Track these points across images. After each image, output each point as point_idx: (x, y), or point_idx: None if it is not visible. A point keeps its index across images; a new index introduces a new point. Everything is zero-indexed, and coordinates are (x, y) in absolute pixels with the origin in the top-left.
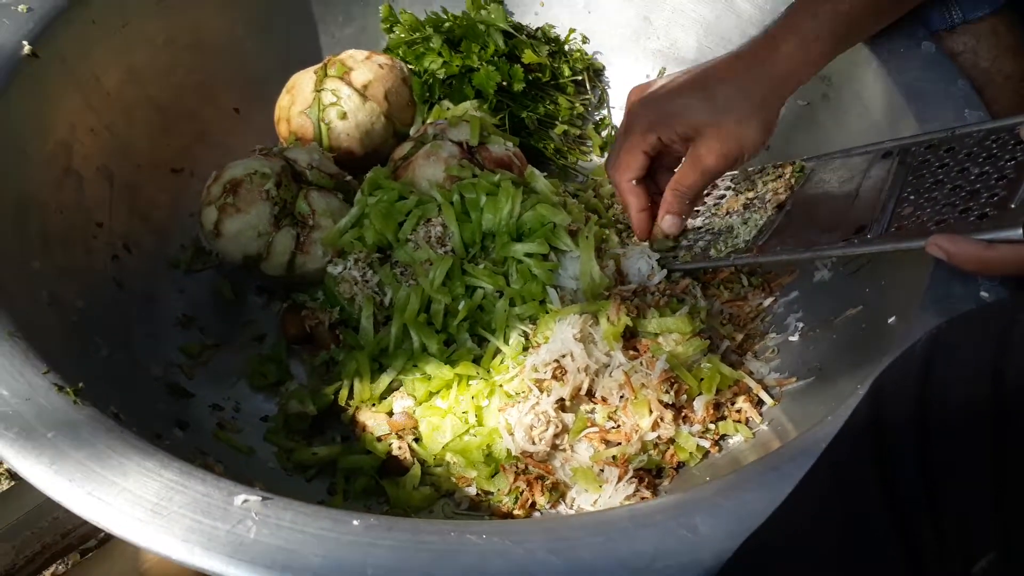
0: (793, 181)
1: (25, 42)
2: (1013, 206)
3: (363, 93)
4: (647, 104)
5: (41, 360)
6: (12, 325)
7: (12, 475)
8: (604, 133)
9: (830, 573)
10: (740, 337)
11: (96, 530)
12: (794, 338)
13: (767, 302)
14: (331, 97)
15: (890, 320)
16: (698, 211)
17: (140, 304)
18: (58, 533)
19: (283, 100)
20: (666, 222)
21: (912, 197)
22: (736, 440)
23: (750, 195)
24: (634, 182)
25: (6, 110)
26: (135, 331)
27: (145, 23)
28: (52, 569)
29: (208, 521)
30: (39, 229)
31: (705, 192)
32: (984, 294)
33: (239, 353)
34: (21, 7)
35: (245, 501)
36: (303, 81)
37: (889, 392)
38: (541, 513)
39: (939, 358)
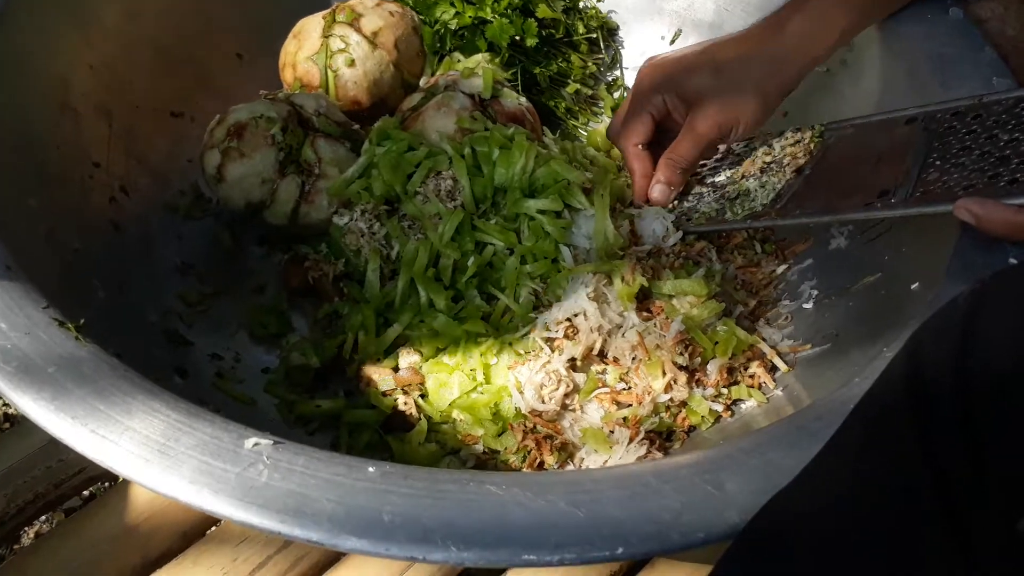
0: (812, 146)
1: None
2: None
3: (372, 41)
4: (655, 67)
5: (40, 295)
6: (10, 259)
7: (5, 420)
8: (616, 94)
9: (865, 531)
10: (753, 303)
11: (89, 481)
12: (808, 305)
13: (780, 269)
14: (339, 43)
15: (913, 286)
16: (715, 172)
17: (137, 248)
18: (51, 482)
19: (289, 45)
20: (655, 190)
21: (938, 163)
22: (749, 405)
23: (767, 159)
24: (640, 147)
25: (4, 40)
26: (132, 275)
27: None
28: (37, 528)
29: (218, 463)
30: (36, 165)
31: (719, 156)
32: (1013, 260)
33: (239, 303)
34: None
35: (256, 444)
36: (310, 26)
37: (928, 347)
38: (551, 472)
39: (984, 312)
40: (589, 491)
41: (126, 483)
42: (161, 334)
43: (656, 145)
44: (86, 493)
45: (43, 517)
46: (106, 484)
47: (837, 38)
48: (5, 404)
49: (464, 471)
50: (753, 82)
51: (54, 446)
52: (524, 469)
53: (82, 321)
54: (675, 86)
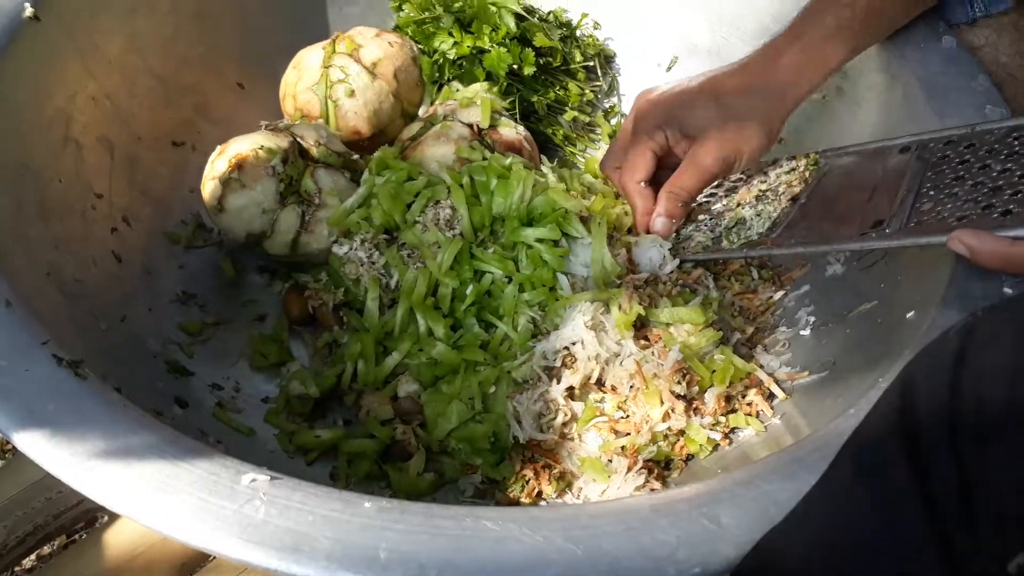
0: (808, 174)
1: (27, 3)
2: None
3: (372, 71)
4: (655, 104)
5: (41, 329)
6: (11, 294)
7: (3, 454)
8: (613, 121)
9: (858, 567)
10: (750, 330)
11: (87, 512)
12: (805, 332)
13: (777, 295)
14: (339, 74)
15: (908, 315)
16: (711, 201)
17: (139, 278)
18: (50, 514)
19: (289, 76)
20: (658, 223)
21: (932, 192)
22: (747, 433)
23: (763, 187)
24: (642, 184)
25: (5, 72)
26: (134, 306)
27: None
28: (39, 552)
29: (215, 500)
30: (37, 197)
31: (715, 183)
32: (1008, 291)
33: (239, 332)
34: None
35: (253, 480)
36: (310, 57)
37: (920, 381)
38: (547, 502)
39: (974, 348)
40: (586, 526)
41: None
42: (162, 365)
43: (653, 177)
44: (89, 518)
45: (43, 548)
46: (105, 516)
47: (833, 68)
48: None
49: (460, 507)
50: (755, 113)
51: (52, 478)
52: (523, 499)
53: (82, 357)
54: (677, 121)
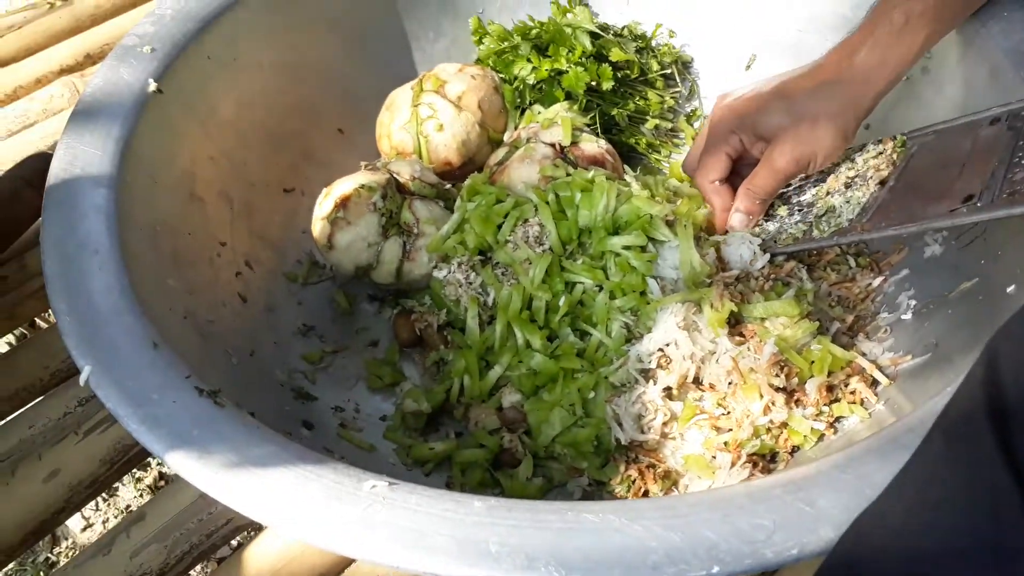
0: (895, 156)
1: (151, 79)
2: None
3: (457, 104)
4: (730, 109)
5: (183, 366)
6: (157, 337)
7: (152, 489)
8: (696, 124)
9: (947, 545)
10: (850, 319)
11: (237, 531)
12: (907, 316)
13: (876, 282)
14: (428, 111)
15: (1008, 289)
16: (800, 191)
17: (263, 316)
18: (203, 534)
19: (383, 117)
20: (735, 219)
21: None
22: (852, 421)
23: (851, 174)
24: (718, 183)
25: (139, 142)
26: (260, 341)
27: (252, 53)
28: (193, 570)
29: (341, 506)
30: (171, 250)
31: (802, 176)
32: None
33: (356, 358)
34: (146, 48)
35: (374, 486)
36: (401, 97)
37: (1005, 351)
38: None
39: None
40: (683, 515)
41: (269, 532)
42: (289, 392)
43: (734, 175)
44: (234, 542)
45: (198, 566)
46: (251, 532)
47: (910, 60)
48: (160, 464)
49: (563, 502)
50: (827, 115)
51: (203, 500)
52: (630, 498)
53: (219, 388)
54: (750, 126)
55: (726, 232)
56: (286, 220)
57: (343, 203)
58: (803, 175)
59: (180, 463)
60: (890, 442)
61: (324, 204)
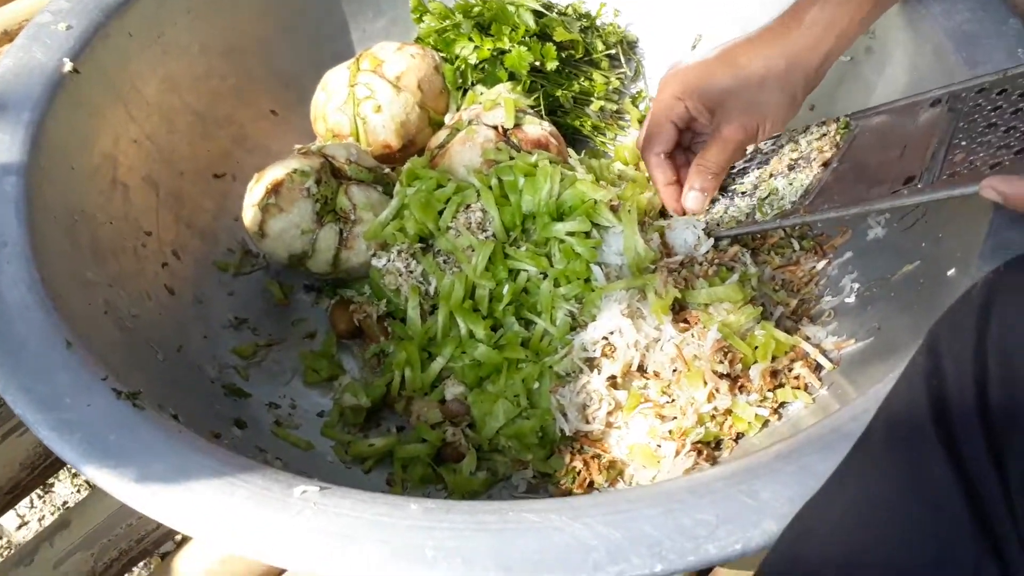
0: (839, 138)
1: (66, 59)
2: None
3: (396, 84)
4: (675, 76)
5: (100, 366)
6: (71, 334)
7: (89, 484)
8: (642, 106)
9: (887, 537)
10: (794, 302)
11: (170, 533)
12: (850, 299)
13: (820, 265)
14: (365, 91)
15: (949, 273)
16: (744, 173)
17: (192, 308)
18: (133, 539)
19: (318, 98)
20: (689, 198)
21: (964, 143)
22: (796, 406)
23: (794, 155)
24: (662, 155)
25: (53, 126)
26: (189, 335)
27: (179, 32)
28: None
29: (269, 514)
30: (90, 240)
31: (748, 156)
32: None
33: (291, 351)
34: (61, 25)
35: (304, 492)
36: (336, 77)
37: (945, 340)
38: (599, 491)
39: (997, 303)
40: (624, 511)
41: None
42: (220, 389)
43: (689, 153)
44: (179, 537)
45: (131, 571)
46: (179, 536)
47: (857, 27)
48: None
49: (503, 502)
50: (774, 79)
51: None
52: (575, 489)
53: (140, 389)
54: (696, 93)
55: (675, 209)
56: (217, 207)
57: (275, 189)
58: (747, 158)
59: (96, 473)
60: (832, 431)
61: (255, 190)
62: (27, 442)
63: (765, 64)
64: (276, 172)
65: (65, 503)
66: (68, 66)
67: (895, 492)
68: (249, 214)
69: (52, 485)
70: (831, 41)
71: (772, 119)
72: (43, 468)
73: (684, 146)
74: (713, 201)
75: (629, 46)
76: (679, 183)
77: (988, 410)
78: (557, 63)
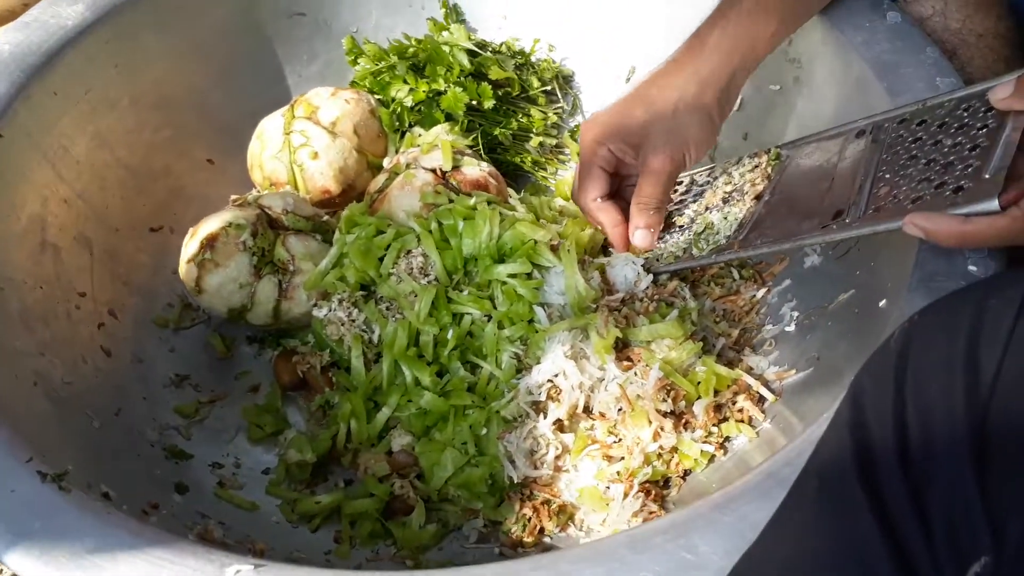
0: (770, 170)
1: None
2: (987, 176)
3: (332, 131)
4: (593, 122)
5: (24, 447)
6: None
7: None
8: None
9: None
10: (736, 333)
11: None
12: (790, 328)
13: (760, 293)
14: (300, 138)
15: (881, 304)
16: (681, 208)
17: (130, 368)
18: None
19: (254, 147)
20: (637, 237)
21: (888, 176)
22: (741, 440)
23: (728, 188)
24: (599, 199)
25: None
26: (128, 397)
27: (107, 88)
28: None
29: None
30: (19, 308)
31: (684, 189)
32: (972, 268)
33: (235, 406)
34: None
35: (238, 572)
36: (271, 125)
37: (868, 391)
38: (551, 538)
39: (913, 352)
40: (566, 573)
41: None
42: (161, 452)
43: (620, 197)
44: None
45: None
46: None
47: (765, 45)
48: None
49: (445, 570)
50: (688, 104)
51: None
52: (525, 537)
53: (69, 468)
54: (616, 133)
55: (626, 247)
56: (154, 261)
57: (210, 243)
58: (684, 191)
59: (19, 562)
60: (768, 478)
61: (190, 245)
62: None
63: (677, 92)
64: (211, 226)
65: None
66: None
67: (825, 549)
68: (185, 270)
69: None
70: (737, 60)
71: (695, 142)
72: None
73: (614, 190)
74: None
75: (565, 80)
76: (624, 223)
77: (909, 462)
78: (494, 102)
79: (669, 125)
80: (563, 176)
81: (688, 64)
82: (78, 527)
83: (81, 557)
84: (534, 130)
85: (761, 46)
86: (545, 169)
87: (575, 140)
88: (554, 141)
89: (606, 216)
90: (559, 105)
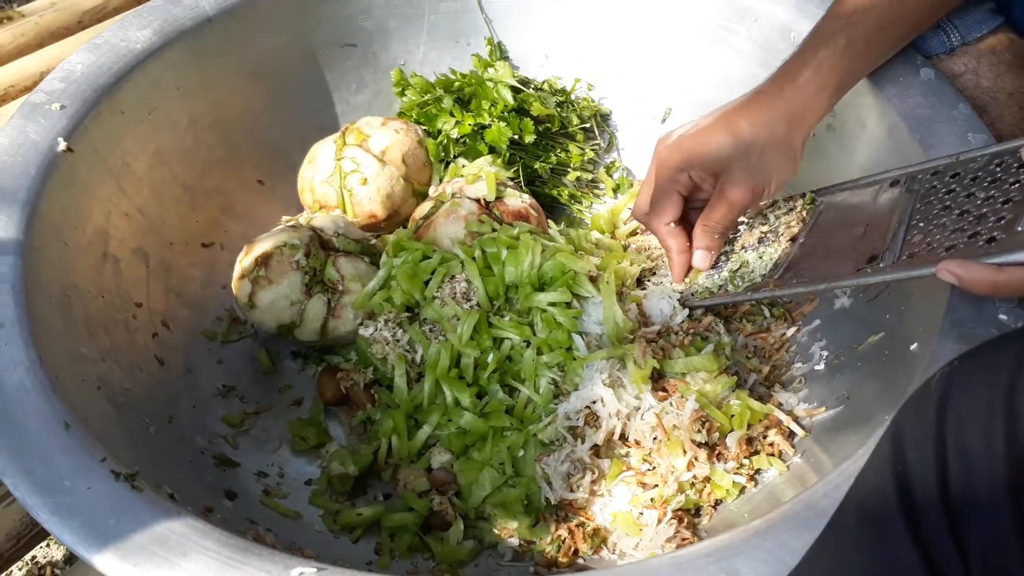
0: (805, 213)
1: (60, 138)
2: (1020, 228)
3: (381, 158)
4: (676, 147)
5: (98, 447)
6: (69, 415)
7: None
8: (616, 175)
9: None
10: (767, 369)
11: None
12: (820, 367)
13: (790, 332)
14: (351, 165)
15: (912, 347)
16: None
17: (181, 378)
18: None
19: (305, 170)
20: (697, 257)
21: (921, 224)
22: (771, 473)
23: (764, 229)
24: (672, 225)
25: (47, 205)
26: (179, 405)
27: (169, 108)
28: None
29: None
30: (83, 315)
31: None
32: (1003, 317)
33: (279, 418)
34: (55, 106)
35: (301, 573)
36: (323, 151)
37: (908, 430)
38: (584, 559)
39: (954, 395)
40: None
41: None
42: (210, 459)
43: (686, 217)
44: None
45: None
46: None
47: (850, 84)
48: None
49: None
50: (777, 142)
51: None
52: (560, 558)
53: (136, 469)
54: (698, 162)
55: (686, 276)
56: (205, 276)
57: (264, 261)
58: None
59: (96, 558)
60: (807, 508)
61: (245, 262)
62: (13, 511)
63: (767, 129)
64: (265, 244)
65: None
66: (62, 145)
67: (866, 574)
68: (239, 285)
69: (35, 558)
70: (824, 101)
71: (777, 180)
72: (29, 539)
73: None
74: (689, 269)
75: (602, 119)
76: (690, 251)
77: (949, 498)
78: (535, 136)
79: (756, 161)
80: (598, 210)
81: (778, 101)
82: (151, 524)
83: (154, 553)
84: (572, 165)
85: (846, 87)
86: (580, 203)
87: (610, 176)
88: (590, 176)
89: (676, 242)
90: (596, 142)
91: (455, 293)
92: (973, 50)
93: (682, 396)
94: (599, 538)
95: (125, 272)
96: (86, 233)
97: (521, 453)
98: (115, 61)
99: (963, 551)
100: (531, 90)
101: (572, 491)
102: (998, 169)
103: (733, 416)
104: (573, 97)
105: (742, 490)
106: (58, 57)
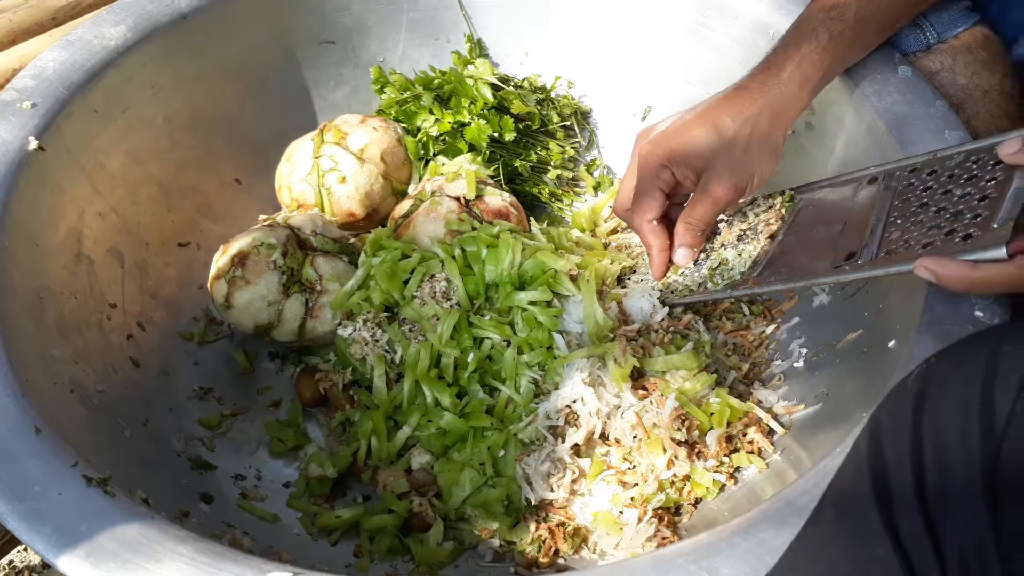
0: (784, 211)
1: (31, 137)
2: (996, 225)
3: (360, 157)
4: (658, 143)
5: (69, 451)
6: (40, 419)
7: (44, 566)
8: (596, 173)
9: None
10: (746, 367)
11: None
12: (799, 364)
13: (769, 329)
14: (329, 163)
15: (890, 344)
16: None
17: (157, 380)
18: None
19: (283, 168)
20: (678, 254)
21: (899, 221)
22: (751, 471)
23: (743, 226)
24: (654, 222)
25: (18, 204)
26: (155, 408)
27: (143, 107)
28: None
29: None
30: (56, 317)
31: None
32: (979, 313)
33: (256, 420)
34: (25, 104)
35: None
36: (301, 149)
37: (886, 427)
38: (565, 559)
39: (931, 393)
40: None
41: None
42: (187, 462)
43: (667, 214)
44: None
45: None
46: None
47: (831, 77)
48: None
49: None
50: (760, 138)
51: None
52: (540, 558)
53: (109, 474)
54: (681, 158)
55: (664, 273)
56: (181, 276)
57: (241, 260)
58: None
59: (68, 564)
60: (786, 505)
61: (221, 261)
62: None
63: (750, 125)
64: (242, 243)
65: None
66: (33, 144)
67: (842, 573)
68: (215, 286)
69: (12, 563)
70: (806, 96)
71: (759, 176)
72: (3, 544)
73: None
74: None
75: (583, 117)
76: (670, 249)
77: (925, 494)
78: (515, 134)
79: (739, 157)
80: (578, 208)
81: (760, 96)
82: (124, 529)
83: (126, 559)
84: (552, 163)
85: (826, 82)
86: (561, 201)
87: (590, 174)
88: (570, 174)
89: (657, 239)
90: (576, 140)
91: (435, 292)
92: (949, 47)
93: (662, 394)
94: (579, 538)
95: (99, 273)
96: (58, 233)
97: (501, 453)
98: (88, 58)
99: (939, 546)
100: (511, 87)
101: (552, 491)
102: (974, 166)
103: (713, 414)
104: (553, 95)
105: (722, 488)
106: (30, 54)
